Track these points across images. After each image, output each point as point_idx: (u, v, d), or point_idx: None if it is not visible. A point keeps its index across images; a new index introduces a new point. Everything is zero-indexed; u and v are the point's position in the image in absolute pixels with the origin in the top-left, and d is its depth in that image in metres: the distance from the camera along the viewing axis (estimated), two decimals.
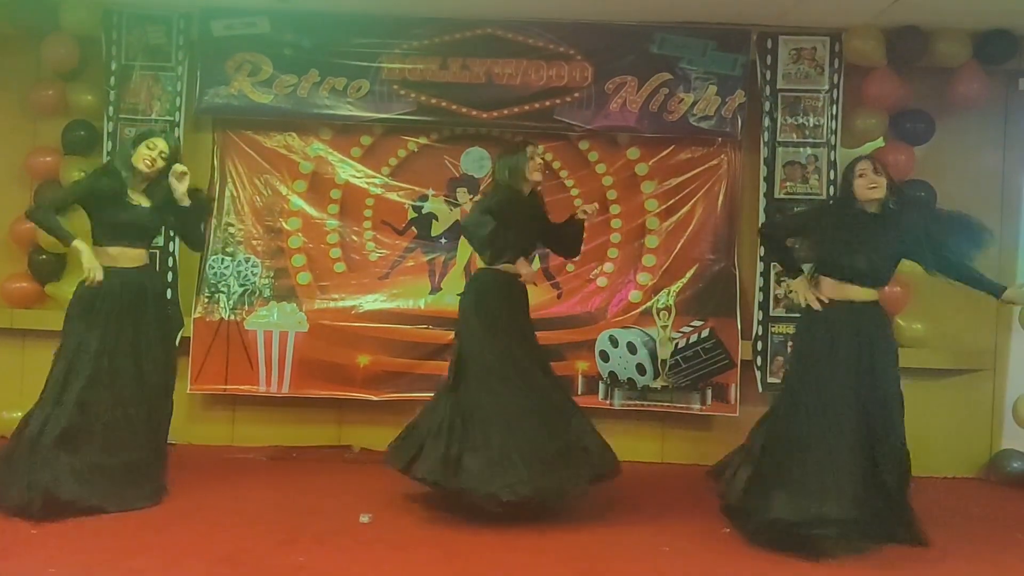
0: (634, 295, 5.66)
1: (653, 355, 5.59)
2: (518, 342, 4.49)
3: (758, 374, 5.55)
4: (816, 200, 5.47)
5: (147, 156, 4.41)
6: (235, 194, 5.72)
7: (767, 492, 4.07)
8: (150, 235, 4.61)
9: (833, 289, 4.23)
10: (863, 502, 3.96)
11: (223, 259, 5.68)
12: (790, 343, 5.28)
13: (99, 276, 4.29)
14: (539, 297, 5.37)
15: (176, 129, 5.60)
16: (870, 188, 4.17)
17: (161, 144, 4.46)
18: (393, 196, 5.75)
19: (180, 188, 4.45)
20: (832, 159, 5.51)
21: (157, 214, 4.51)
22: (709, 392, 5.58)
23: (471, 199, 5.72)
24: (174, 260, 5.57)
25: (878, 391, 4.14)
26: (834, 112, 5.53)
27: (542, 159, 4.65)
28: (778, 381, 5.34)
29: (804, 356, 4.33)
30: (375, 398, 5.59)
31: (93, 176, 4.55)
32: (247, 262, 5.68)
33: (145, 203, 4.47)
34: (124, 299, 4.39)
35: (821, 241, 4.30)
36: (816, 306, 4.22)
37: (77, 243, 4.32)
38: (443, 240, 5.74)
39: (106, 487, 4.19)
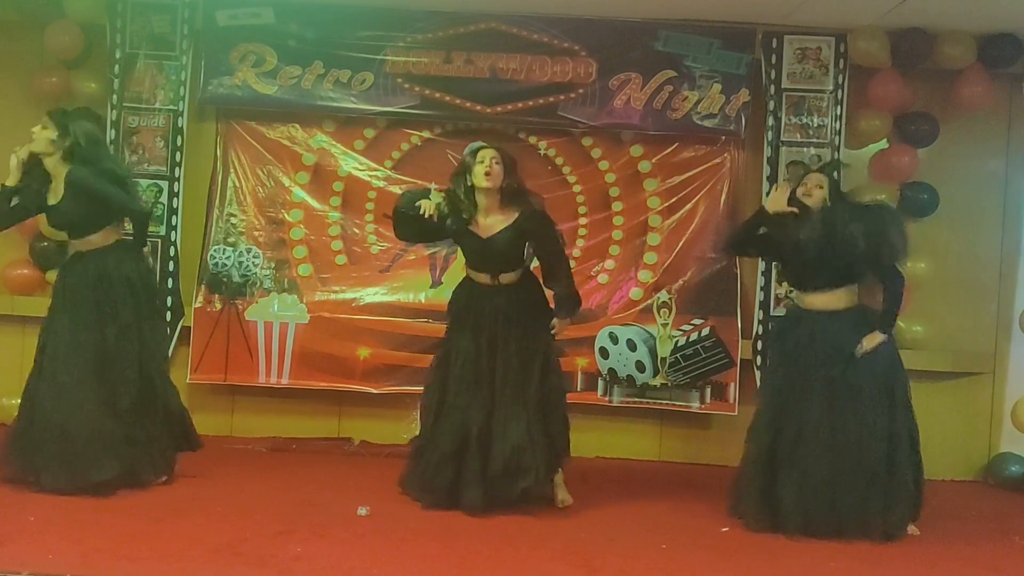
0: (635, 292, 5.66)
1: (653, 353, 5.59)
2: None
3: (758, 373, 5.54)
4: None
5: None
6: (237, 184, 5.71)
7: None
8: (68, 221, 4.52)
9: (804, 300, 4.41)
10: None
11: (224, 249, 5.68)
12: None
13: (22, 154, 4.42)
14: None
15: (180, 119, 5.60)
16: (804, 197, 4.31)
17: (36, 129, 4.48)
18: (395, 189, 5.71)
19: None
20: (836, 159, 5.48)
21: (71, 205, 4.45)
22: (708, 390, 5.58)
23: None
24: (176, 250, 5.57)
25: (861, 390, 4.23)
26: (838, 113, 5.53)
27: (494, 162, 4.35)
28: None
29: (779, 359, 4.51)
30: (375, 391, 5.59)
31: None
32: (248, 253, 5.68)
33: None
34: (83, 282, 4.41)
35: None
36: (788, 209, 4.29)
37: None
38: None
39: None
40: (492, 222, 4.37)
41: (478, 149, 4.36)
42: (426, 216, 4.33)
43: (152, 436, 4.45)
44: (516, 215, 4.37)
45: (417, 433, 4.64)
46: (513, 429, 4.24)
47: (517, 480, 4.23)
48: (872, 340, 4.23)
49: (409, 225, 4.50)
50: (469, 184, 4.34)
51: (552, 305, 4.52)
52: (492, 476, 4.23)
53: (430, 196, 4.37)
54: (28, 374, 4.54)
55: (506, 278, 4.42)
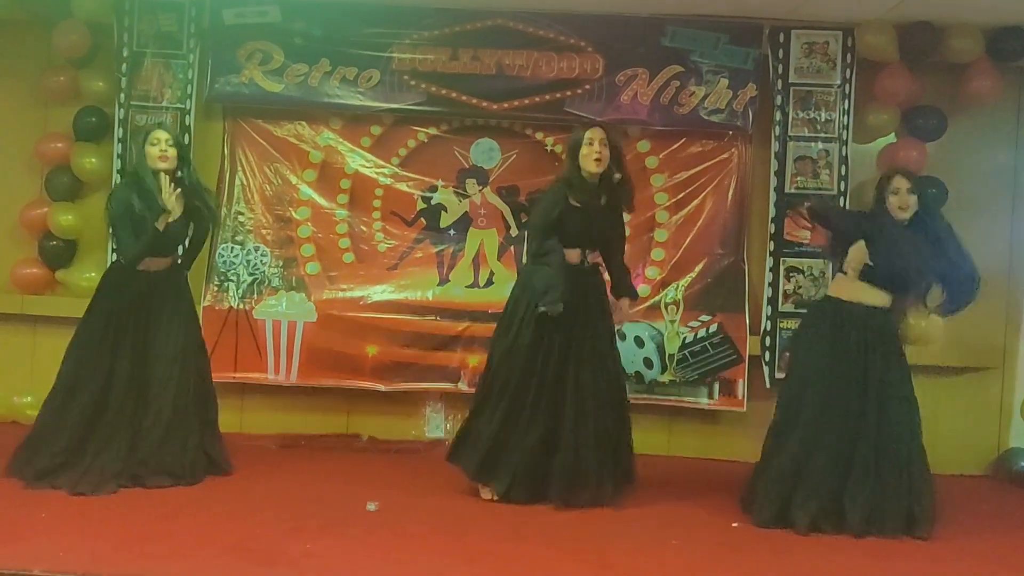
0: (642, 289, 5.64)
1: (661, 349, 5.59)
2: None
3: (766, 369, 5.54)
4: (826, 195, 5.46)
5: (158, 152, 4.44)
6: (245, 182, 5.72)
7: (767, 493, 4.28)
8: (177, 245, 4.69)
9: (850, 290, 4.36)
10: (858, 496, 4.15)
11: (232, 248, 5.69)
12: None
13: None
14: None
15: (187, 117, 5.61)
16: (900, 209, 4.30)
17: (162, 134, 4.49)
18: (402, 186, 5.75)
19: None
20: (843, 154, 5.49)
21: (184, 222, 4.58)
22: (716, 387, 5.58)
23: (480, 190, 5.73)
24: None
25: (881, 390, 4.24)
26: (846, 107, 5.51)
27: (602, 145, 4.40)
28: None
29: (806, 353, 4.47)
30: (383, 388, 5.60)
31: (124, 201, 4.49)
32: (256, 251, 5.69)
33: (178, 210, 4.52)
34: (140, 300, 4.51)
35: (887, 253, 4.30)
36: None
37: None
38: (452, 231, 5.73)
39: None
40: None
41: (586, 130, 4.47)
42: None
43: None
44: (610, 190, 4.50)
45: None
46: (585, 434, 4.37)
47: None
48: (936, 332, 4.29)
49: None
50: (576, 164, 4.42)
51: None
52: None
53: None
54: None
55: (593, 257, 4.54)
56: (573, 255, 4.45)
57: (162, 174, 4.46)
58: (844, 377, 4.26)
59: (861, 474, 4.18)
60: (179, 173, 4.55)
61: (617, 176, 4.43)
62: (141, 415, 4.43)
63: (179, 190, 4.49)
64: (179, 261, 4.80)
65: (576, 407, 4.35)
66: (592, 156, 4.33)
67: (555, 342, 4.36)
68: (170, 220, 4.47)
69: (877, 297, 4.33)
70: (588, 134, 4.39)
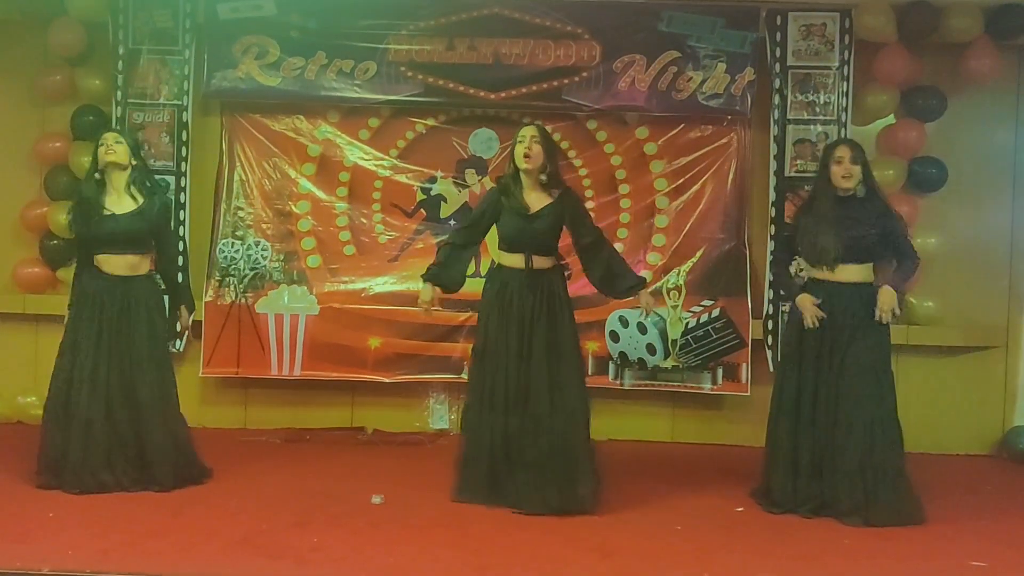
0: (644, 275, 5.64)
1: (663, 335, 5.58)
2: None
3: (769, 353, 5.54)
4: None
5: (103, 152, 4.40)
6: (244, 177, 5.72)
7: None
8: (133, 242, 4.44)
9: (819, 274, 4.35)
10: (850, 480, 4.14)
11: (233, 243, 5.69)
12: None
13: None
14: None
15: (184, 113, 5.60)
16: (843, 178, 4.26)
17: (109, 136, 4.46)
18: (402, 178, 5.75)
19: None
20: (844, 136, 5.46)
21: (139, 218, 4.43)
22: (720, 371, 5.58)
23: (479, 180, 5.72)
24: (184, 244, 5.58)
25: (872, 364, 4.22)
26: (845, 89, 5.49)
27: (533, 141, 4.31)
28: None
29: (789, 338, 4.50)
30: (387, 380, 5.61)
31: (76, 194, 4.55)
32: (257, 245, 5.69)
33: (129, 207, 4.43)
34: (109, 307, 4.38)
35: (805, 234, 4.35)
36: (810, 323, 4.26)
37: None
38: (452, 222, 5.72)
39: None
40: (534, 200, 4.37)
41: (520, 129, 4.41)
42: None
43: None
44: (557, 194, 4.40)
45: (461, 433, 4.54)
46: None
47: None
48: (886, 296, 4.18)
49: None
50: (514, 164, 4.36)
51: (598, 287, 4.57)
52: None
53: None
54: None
55: (539, 262, 4.38)
56: (515, 259, 4.35)
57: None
58: (816, 359, 4.26)
59: (840, 460, 4.17)
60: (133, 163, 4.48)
61: (543, 177, 4.34)
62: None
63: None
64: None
65: (531, 418, 4.24)
66: (521, 153, 4.29)
67: (511, 348, 4.27)
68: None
69: (854, 273, 4.27)
70: (521, 132, 4.34)
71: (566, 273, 4.57)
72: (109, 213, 4.39)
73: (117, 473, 4.30)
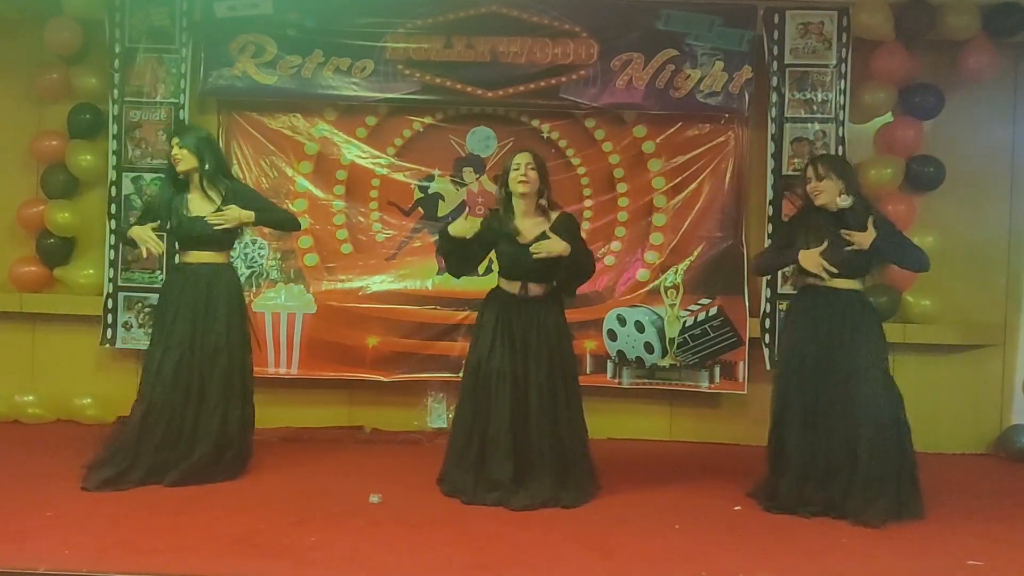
0: (642, 273, 5.65)
1: (661, 333, 5.59)
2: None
3: (766, 352, 5.54)
4: None
5: (172, 157, 4.51)
6: (241, 176, 5.68)
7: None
8: (215, 240, 4.55)
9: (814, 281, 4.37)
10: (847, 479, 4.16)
11: (232, 247, 5.65)
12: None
13: (154, 249, 4.48)
14: None
15: (181, 111, 5.59)
16: (814, 195, 4.32)
17: (173, 144, 4.53)
18: (399, 176, 5.74)
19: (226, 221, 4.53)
20: (840, 134, 5.47)
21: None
22: (717, 370, 5.58)
23: (477, 178, 5.72)
24: None
25: (871, 366, 4.22)
26: (842, 87, 5.49)
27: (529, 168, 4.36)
28: None
29: (788, 342, 4.52)
30: (385, 379, 5.60)
31: (153, 194, 4.79)
32: (254, 244, 5.68)
33: (208, 207, 4.51)
34: (186, 294, 4.49)
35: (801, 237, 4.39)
36: (824, 274, 4.27)
37: (131, 231, 4.52)
38: (450, 220, 5.72)
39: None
40: (530, 226, 4.38)
41: (514, 156, 4.42)
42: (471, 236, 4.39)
43: None
44: (553, 219, 4.42)
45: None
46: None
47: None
48: (866, 234, 4.21)
49: (458, 254, 4.52)
50: (507, 191, 4.39)
51: None
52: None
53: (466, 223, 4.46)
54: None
55: (535, 289, 4.40)
56: (512, 286, 4.42)
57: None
58: (816, 363, 4.28)
59: (843, 462, 4.19)
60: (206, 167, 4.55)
61: (543, 202, 4.41)
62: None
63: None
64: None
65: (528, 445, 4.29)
66: (517, 179, 4.32)
67: (505, 375, 4.29)
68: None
69: (849, 282, 4.32)
70: (516, 159, 4.37)
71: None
72: (189, 215, 4.51)
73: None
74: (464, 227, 4.42)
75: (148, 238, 4.46)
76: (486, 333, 4.40)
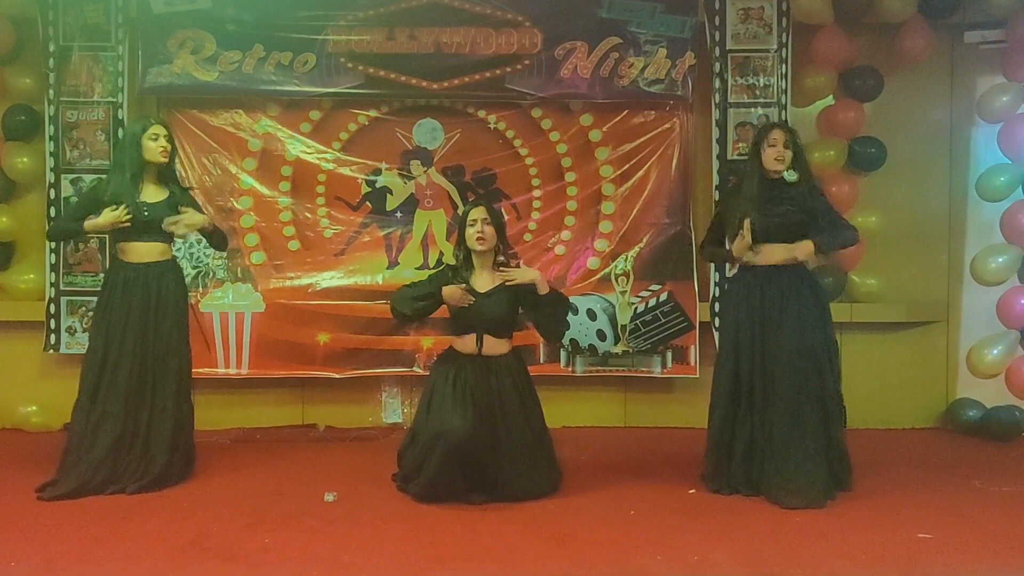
0: (592, 262, 5.67)
1: (613, 321, 5.61)
2: None
3: (716, 335, 5.56)
4: None
5: (159, 147, 4.34)
6: (183, 174, 5.57)
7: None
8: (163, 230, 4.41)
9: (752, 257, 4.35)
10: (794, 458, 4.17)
11: (175, 241, 5.56)
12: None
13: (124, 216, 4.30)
14: None
15: (120, 110, 5.48)
16: (776, 160, 4.28)
17: (160, 129, 4.38)
18: (346, 171, 5.68)
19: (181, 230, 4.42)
20: (783, 118, 5.51)
21: (167, 209, 4.38)
22: (669, 355, 5.62)
23: (425, 171, 5.68)
24: None
25: (804, 343, 4.23)
26: (784, 71, 5.54)
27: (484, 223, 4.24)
28: None
29: (725, 325, 4.55)
30: (337, 376, 5.56)
31: (97, 186, 4.49)
32: (199, 243, 5.58)
33: (160, 196, 4.38)
34: (133, 295, 4.34)
35: (733, 214, 4.37)
36: (751, 255, 4.29)
37: (87, 223, 4.36)
38: (399, 214, 5.69)
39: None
40: (487, 279, 4.31)
41: (469, 210, 4.31)
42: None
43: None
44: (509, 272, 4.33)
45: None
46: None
47: None
48: (804, 245, 4.21)
49: (419, 318, 4.51)
50: (466, 247, 4.29)
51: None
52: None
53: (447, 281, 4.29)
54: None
55: (492, 346, 4.28)
56: (467, 343, 4.28)
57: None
58: (751, 343, 4.30)
59: (780, 440, 4.22)
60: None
61: (500, 259, 4.34)
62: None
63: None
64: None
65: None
66: (475, 236, 4.23)
67: (473, 435, 4.08)
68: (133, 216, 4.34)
69: (782, 253, 4.28)
70: (471, 214, 4.25)
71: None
72: (144, 201, 4.35)
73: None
74: (457, 296, 4.22)
75: (116, 218, 4.26)
76: (441, 395, 4.18)
